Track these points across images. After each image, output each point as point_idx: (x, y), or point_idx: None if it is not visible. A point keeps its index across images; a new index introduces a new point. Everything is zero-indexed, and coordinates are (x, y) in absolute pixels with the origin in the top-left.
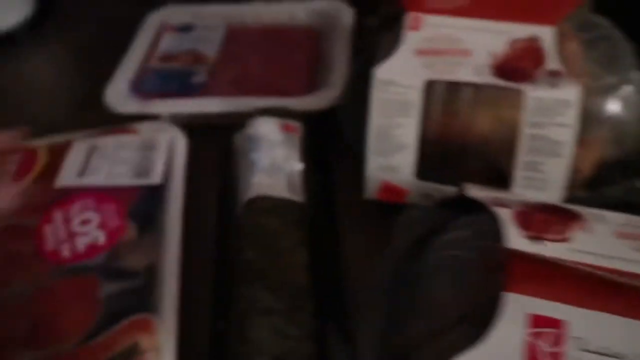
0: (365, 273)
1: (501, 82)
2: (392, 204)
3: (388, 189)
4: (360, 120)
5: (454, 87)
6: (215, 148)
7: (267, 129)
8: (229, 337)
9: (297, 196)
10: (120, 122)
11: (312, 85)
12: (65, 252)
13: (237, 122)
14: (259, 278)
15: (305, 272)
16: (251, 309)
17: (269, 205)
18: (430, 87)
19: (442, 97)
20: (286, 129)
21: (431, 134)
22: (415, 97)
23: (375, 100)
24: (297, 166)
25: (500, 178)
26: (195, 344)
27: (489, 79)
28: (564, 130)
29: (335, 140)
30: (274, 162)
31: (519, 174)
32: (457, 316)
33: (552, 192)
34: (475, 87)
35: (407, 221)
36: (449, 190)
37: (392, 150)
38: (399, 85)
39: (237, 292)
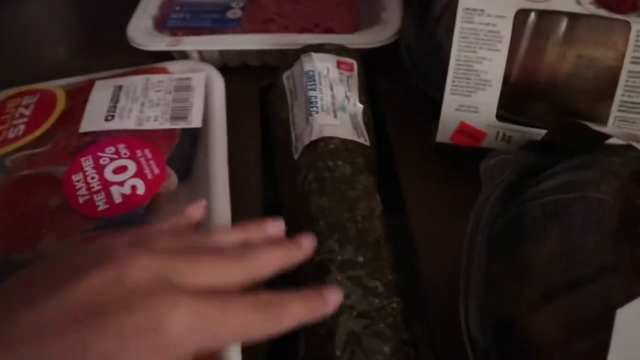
0: (432, 228)
1: (604, 13)
2: (451, 150)
3: (465, 131)
4: (429, 57)
5: (547, 18)
6: (255, 88)
7: (324, 66)
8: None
9: (363, 138)
10: (145, 62)
11: (358, 22)
12: (101, 204)
13: (275, 62)
14: (335, 228)
15: (381, 220)
16: (330, 262)
17: (336, 147)
18: (520, 17)
19: (532, 29)
20: (341, 67)
21: (516, 71)
22: (505, 28)
23: (459, 31)
24: (359, 106)
25: (590, 119)
26: None
27: (590, 9)
28: None
29: (392, 81)
30: (335, 100)
31: (614, 115)
32: (594, 267)
33: None
34: (572, 18)
35: (496, 167)
36: (532, 132)
37: (474, 88)
38: (488, 14)
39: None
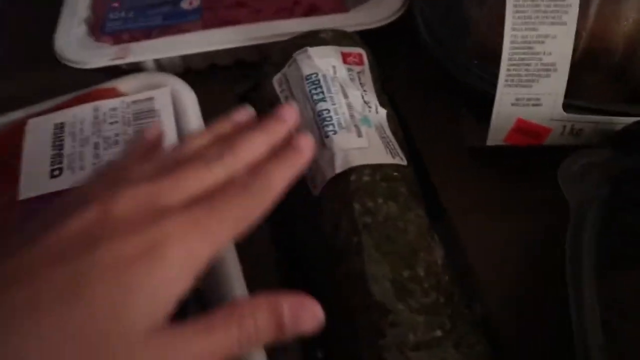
0: (480, 233)
1: None
2: (496, 149)
3: (524, 129)
4: (455, 37)
5: None
6: (231, 95)
7: (328, 64)
8: None
9: (399, 157)
10: (87, 81)
11: None
12: None
13: (252, 58)
14: (400, 297)
15: (447, 269)
16: (402, 346)
17: (371, 179)
18: None
19: None
20: (348, 60)
21: (583, 46)
22: None
23: (513, 4)
24: (382, 112)
25: None
26: None
27: None
28: None
29: (399, 70)
30: (354, 111)
31: None
32: None
33: None
34: None
35: (582, 175)
36: (607, 122)
37: (536, 76)
38: None
39: (363, 319)
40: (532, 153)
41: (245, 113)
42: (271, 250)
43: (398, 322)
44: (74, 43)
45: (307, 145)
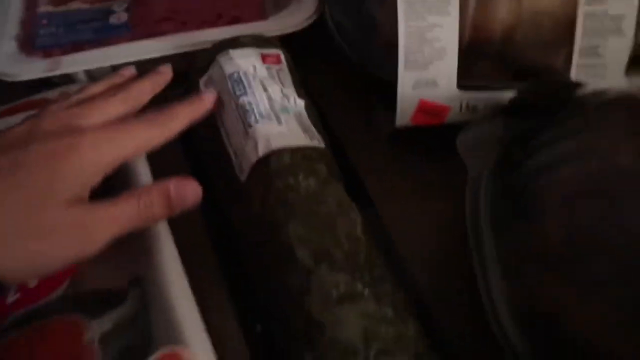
0: (404, 216)
1: None
2: (407, 131)
3: (426, 109)
4: (364, 34)
5: None
6: (163, 103)
7: (249, 63)
8: (297, 346)
9: (317, 140)
10: (16, 95)
11: (265, 6)
12: (9, 294)
13: (180, 66)
14: (322, 258)
15: (365, 233)
16: (327, 300)
17: (292, 160)
18: None
19: None
20: (267, 60)
21: (467, 34)
22: None
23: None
24: (300, 103)
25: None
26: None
27: None
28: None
29: (316, 68)
30: (274, 102)
31: (577, 63)
32: None
33: (614, 78)
34: None
35: (475, 141)
36: (496, 97)
37: (430, 59)
38: None
39: (292, 282)
40: (442, 134)
41: (128, 70)
42: (206, 239)
43: (321, 280)
44: (5, 58)
45: (209, 97)
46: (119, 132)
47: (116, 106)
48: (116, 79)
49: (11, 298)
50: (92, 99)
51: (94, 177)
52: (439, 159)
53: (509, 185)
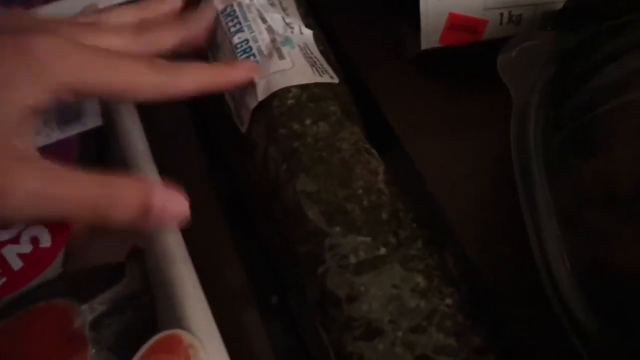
0: (435, 154)
1: None
2: (436, 54)
3: (458, 24)
4: None
5: None
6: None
7: None
8: (314, 323)
9: (328, 75)
10: None
11: None
12: None
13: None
14: (336, 218)
15: (388, 183)
16: (342, 270)
17: (297, 101)
18: None
19: None
20: None
21: None
22: None
23: None
24: (308, 33)
25: None
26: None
27: None
28: None
29: None
30: (275, 35)
31: None
32: None
33: None
34: None
35: (521, 60)
36: (546, 2)
37: None
38: None
39: (303, 248)
40: (476, 54)
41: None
42: (214, 200)
43: (336, 244)
44: None
45: (244, 67)
46: (101, 57)
47: (129, 45)
48: (151, 10)
49: None
50: (106, 28)
51: (44, 94)
52: (476, 85)
53: (566, 112)
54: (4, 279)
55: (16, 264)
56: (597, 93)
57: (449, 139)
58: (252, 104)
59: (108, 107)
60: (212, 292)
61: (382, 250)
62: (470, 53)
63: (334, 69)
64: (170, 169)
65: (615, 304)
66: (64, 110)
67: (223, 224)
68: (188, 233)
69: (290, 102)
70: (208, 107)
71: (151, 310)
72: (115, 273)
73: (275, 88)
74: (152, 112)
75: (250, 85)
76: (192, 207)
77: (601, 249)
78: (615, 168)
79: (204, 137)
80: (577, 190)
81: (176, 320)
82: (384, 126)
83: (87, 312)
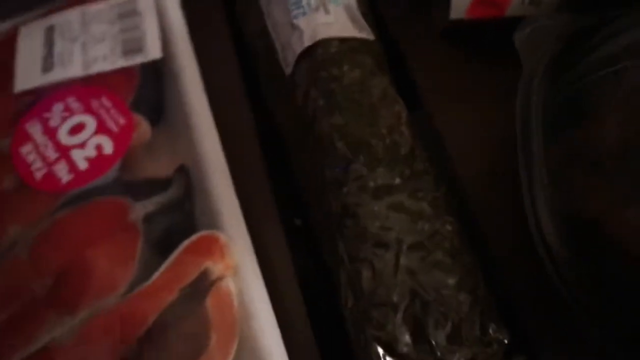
0: (457, 120)
1: None
2: (465, 27)
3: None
4: None
5: None
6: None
7: None
8: (332, 235)
9: (366, 32)
10: None
11: None
12: (63, 175)
13: None
14: (358, 149)
15: (409, 127)
16: (362, 190)
17: (338, 50)
18: None
19: None
20: None
21: None
22: None
23: None
24: None
25: None
26: (273, 252)
27: None
28: None
29: None
30: None
31: None
32: None
33: None
34: None
35: (535, 37)
36: None
37: None
38: None
39: (330, 173)
40: (500, 30)
41: None
42: (253, 133)
43: (358, 171)
44: None
45: None
46: None
47: None
48: None
49: (65, 178)
50: None
51: None
52: (497, 57)
53: (564, 82)
54: (72, 176)
55: (82, 165)
56: (590, 66)
57: (470, 106)
58: (299, 49)
59: (167, 40)
60: (242, 211)
61: (397, 180)
62: (495, 28)
63: (372, 28)
64: (217, 104)
65: (585, 239)
66: (129, 41)
67: (258, 154)
68: (227, 158)
69: (332, 50)
70: (253, 57)
71: (192, 217)
72: (163, 184)
73: (320, 37)
74: (203, 52)
75: (299, 33)
76: (233, 137)
77: (577, 197)
78: (598, 130)
79: (250, 80)
80: (566, 149)
81: (213, 224)
82: (410, 87)
83: (141, 208)
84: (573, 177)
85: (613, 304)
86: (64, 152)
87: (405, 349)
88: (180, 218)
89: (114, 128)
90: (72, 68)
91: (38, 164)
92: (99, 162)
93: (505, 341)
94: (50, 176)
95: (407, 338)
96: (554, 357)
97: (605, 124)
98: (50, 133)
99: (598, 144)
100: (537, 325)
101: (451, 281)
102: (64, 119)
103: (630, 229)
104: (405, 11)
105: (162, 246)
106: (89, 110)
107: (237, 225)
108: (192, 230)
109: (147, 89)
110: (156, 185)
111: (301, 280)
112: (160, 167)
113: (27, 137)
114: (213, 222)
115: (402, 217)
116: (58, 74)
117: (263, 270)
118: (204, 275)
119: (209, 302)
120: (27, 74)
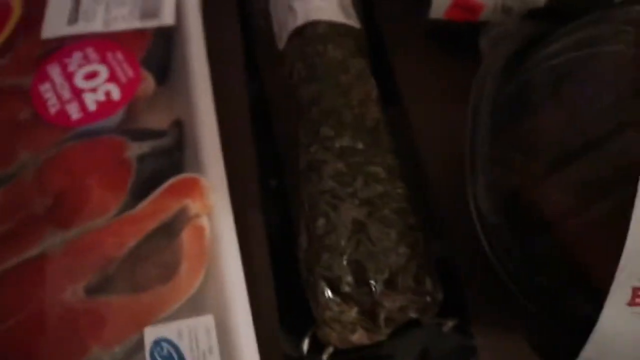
0: (430, 114)
1: None
2: (445, 30)
3: (461, 4)
4: None
5: None
6: None
7: None
8: (300, 182)
9: (353, 21)
10: None
11: None
12: (74, 112)
13: None
14: (330, 115)
15: (377, 104)
16: (327, 150)
17: (324, 31)
18: None
19: None
20: None
21: None
22: None
23: None
24: None
25: None
26: (246, 204)
27: None
28: None
29: None
30: None
31: None
32: (611, 125)
33: None
34: None
35: (497, 39)
36: (534, 1)
37: None
38: None
39: (302, 132)
40: (474, 33)
41: None
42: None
43: (327, 133)
44: None
45: None
46: None
47: None
48: None
49: (75, 116)
50: None
51: None
52: (473, 58)
53: (512, 76)
54: (81, 114)
55: (92, 107)
56: (534, 62)
57: (444, 102)
58: (292, 26)
59: (181, 9)
60: (225, 164)
61: (360, 145)
62: (471, 32)
63: (359, 18)
64: (217, 70)
65: (512, 208)
66: (148, 6)
67: (246, 117)
68: (218, 118)
69: (319, 31)
70: (254, 33)
71: (180, 165)
72: (159, 133)
73: (311, 18)
74: (211, 24)
75: (294, 14)
76: (227, 101)
77: (508, 175)
78: (534, 118)
79: (249, 54)
80: (506, 134)
81: (197, 172)
82: (390, 82)
83: (136, 148)
84: (506, 157)
85: (530, 264)
86: (77, 93)
87: (347, 289)
88: (169, 164)
89: (123, 79)
90: (94, 24)
91: (53, 101)
92: (106, 106)
93: (439, 296)
94: (62, 112)
95: (349, 279)
96: (485, 321)
97: (539, 111)
98: (68, 76)
99: (531, 129)
100: (472, 289)
101: (393, 235)
102: (81, 66)
103: (545, 200)
104: (395, 9)
105: (150, 184)
106: (103, 61)
107: (217, 174)
108: (180, 170)
109: (157, 50)
110: (153, 134)
111: (268, 232)
112: (158, 119)
113: (46, 77)
114: (197, 170)
115: (359, 177)
116: (81, 27)
117: (235, 215)
118: (183, 210)
119: (184, 234)
120: (54, 24)
